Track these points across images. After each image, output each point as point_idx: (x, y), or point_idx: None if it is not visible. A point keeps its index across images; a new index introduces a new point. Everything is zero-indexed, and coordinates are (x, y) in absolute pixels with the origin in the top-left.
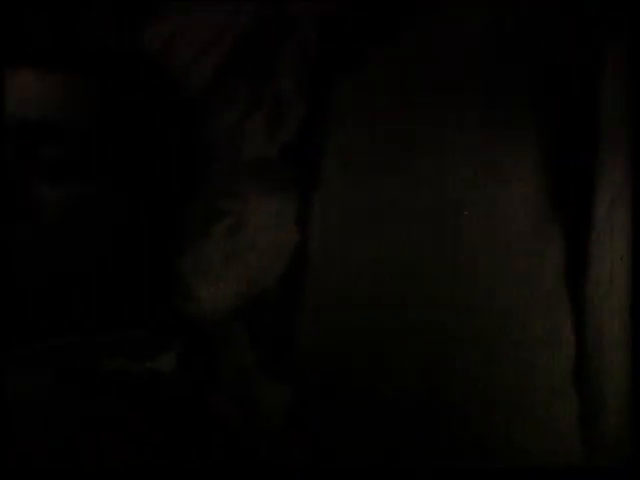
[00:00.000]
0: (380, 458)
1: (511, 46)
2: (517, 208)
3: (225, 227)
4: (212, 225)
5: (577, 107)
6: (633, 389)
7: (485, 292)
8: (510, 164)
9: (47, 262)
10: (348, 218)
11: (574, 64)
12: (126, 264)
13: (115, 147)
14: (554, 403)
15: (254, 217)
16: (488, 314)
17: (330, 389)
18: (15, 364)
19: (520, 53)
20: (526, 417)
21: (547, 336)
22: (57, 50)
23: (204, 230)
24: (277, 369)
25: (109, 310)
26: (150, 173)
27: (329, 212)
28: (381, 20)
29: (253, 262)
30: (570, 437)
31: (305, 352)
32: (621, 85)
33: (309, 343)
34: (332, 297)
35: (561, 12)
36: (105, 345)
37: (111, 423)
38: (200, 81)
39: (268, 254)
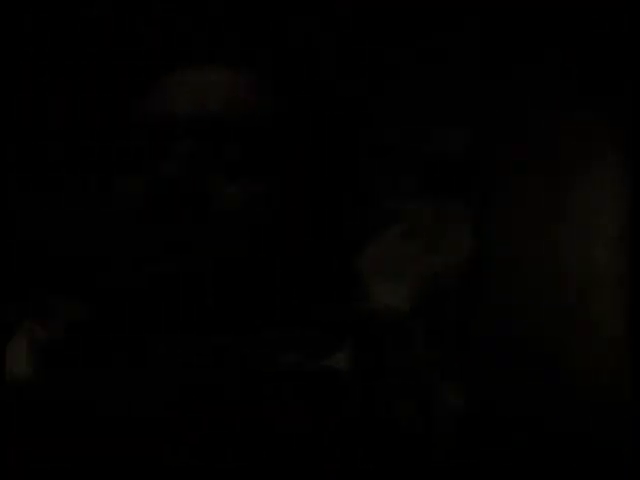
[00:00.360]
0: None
1: None
2: None
3: (402, 227)
4: (389, 225)
5: None
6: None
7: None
8: None
9: (220, 260)
10: (523, 220)
11: None
12: (299, 263)
13: (290, 146)
14: None
15: (430, 217)
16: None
17: (506, 389)
18: (179, 359)
19: None
20: None
21: None
22: (236, 49)
23: (381, 230)
24: (453, 369)
25: (284, 308)
26: (323, 173)
27: (505, 213)
28: None
29: (429, 262)
30: None
31: (481, 352)
32: None
33: (485, 343)
34: (507, 298)
35: None
36: (279, 343)
37: (284, 421)
38: (377, 81)
39: (444, 254)
